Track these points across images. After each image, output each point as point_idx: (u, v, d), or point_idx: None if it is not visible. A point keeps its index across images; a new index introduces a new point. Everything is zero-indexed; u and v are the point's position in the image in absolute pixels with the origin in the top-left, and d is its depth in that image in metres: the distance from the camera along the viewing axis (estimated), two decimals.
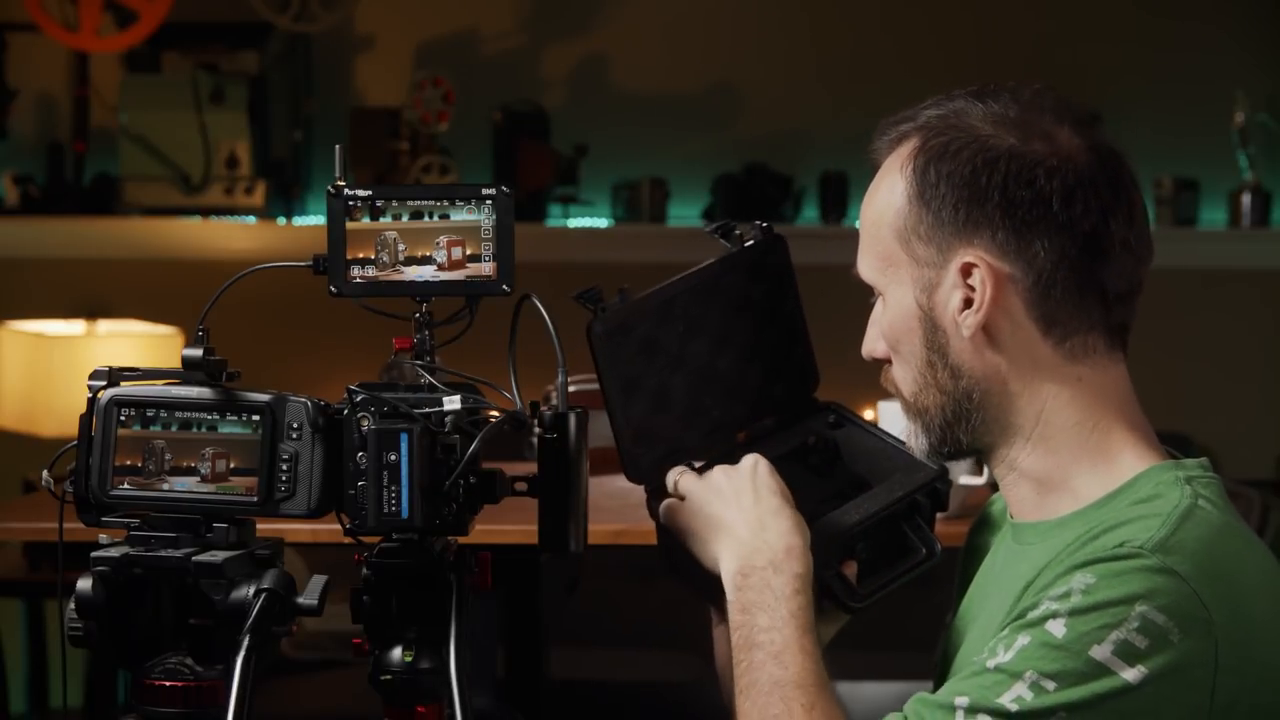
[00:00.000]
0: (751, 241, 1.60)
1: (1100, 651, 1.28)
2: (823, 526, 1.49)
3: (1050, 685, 1.28)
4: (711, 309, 1.58)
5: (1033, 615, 1.32)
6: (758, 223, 1.61)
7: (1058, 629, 1.29)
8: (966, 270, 1.40)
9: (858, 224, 1.50)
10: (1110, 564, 1.31)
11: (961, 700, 1.31)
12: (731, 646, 1.45)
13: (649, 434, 1.54)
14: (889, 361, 1.49)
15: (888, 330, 1.47)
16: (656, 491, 1.55)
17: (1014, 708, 1.28)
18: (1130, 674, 1.27)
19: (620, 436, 1.52)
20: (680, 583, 1.57)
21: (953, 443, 1.46)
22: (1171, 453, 1.45)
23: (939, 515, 1.57)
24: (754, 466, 1.50)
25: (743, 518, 1.47)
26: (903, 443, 1.57)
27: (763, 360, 1.62)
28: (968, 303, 1.41)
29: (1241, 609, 1.32)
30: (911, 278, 1.44)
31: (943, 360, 1.43)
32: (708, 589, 1.52)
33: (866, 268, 1.48)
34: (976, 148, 1.40)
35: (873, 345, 1.50)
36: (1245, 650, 1.31)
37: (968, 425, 1.44)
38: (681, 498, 1.52)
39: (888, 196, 1.45)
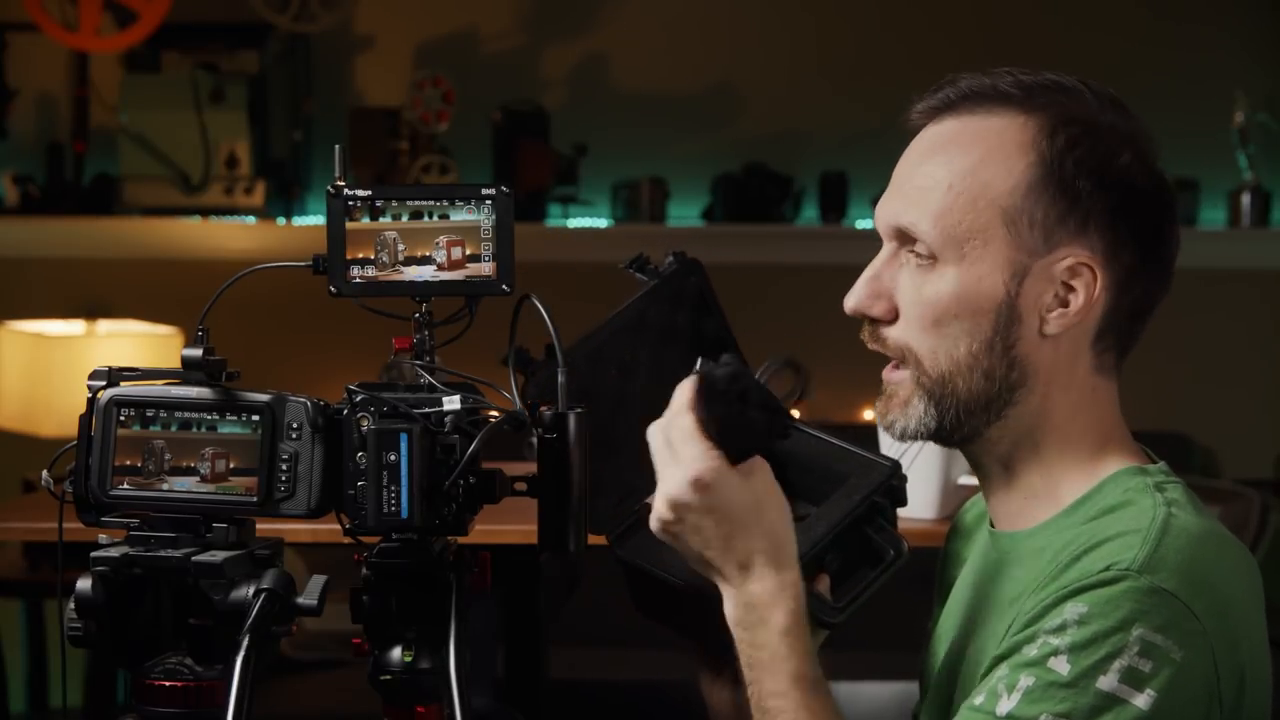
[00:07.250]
0: (668, 270, 1.59)
1: (1107, 682, 1.26)
2: None
3: None
4: (641, 346, 1.57)
5: (1031, 653, 1.29)
6: (671, 252, 1.60)
7: (1061, 666, 1.27)
8: (1075, 271, 1.38)
9: (916, 180, 1.40)
10: (1100, 590, 1.29)
11: None
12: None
13: (600, 483, 1.51)
14: (878, 321, 1.42)
15: (944, 304, 1.38)
16: (619, 538, 1.55)
17: None
18: (1141, 700, 1.26)
19: None
20: (656, 623, 1.56)
21: (957, 429, 1.41)
22: (1149, 453, 1.44)
23: (937, 516, 1.56)
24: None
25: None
26: (849, 443, 1.56)
27: None
28: (1059, 300, 1.38)
29: (1226, 614, 1.31)
30: (1006, 260, 1.38)
31: (1005, 349, 1.38)
32: (684, 626, 1.51)
33: (934, 231, 1.39)
34: (1128, 158, 1.39)
35: (870, 302, 1.42)
36: (1234, 655, 1.31)
37: (988, 416, 1.40)
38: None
39: (1002, 172, 1.38)
